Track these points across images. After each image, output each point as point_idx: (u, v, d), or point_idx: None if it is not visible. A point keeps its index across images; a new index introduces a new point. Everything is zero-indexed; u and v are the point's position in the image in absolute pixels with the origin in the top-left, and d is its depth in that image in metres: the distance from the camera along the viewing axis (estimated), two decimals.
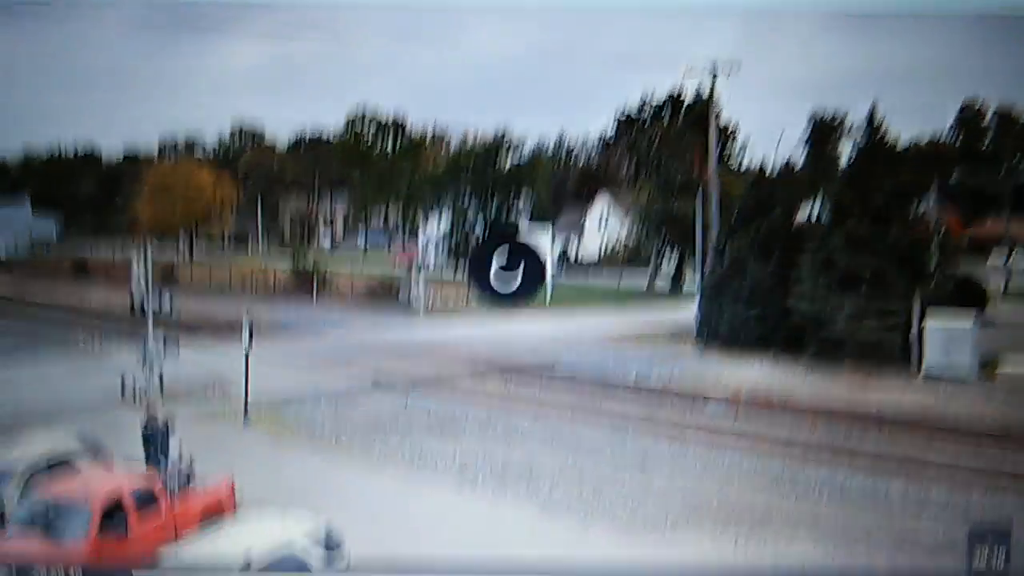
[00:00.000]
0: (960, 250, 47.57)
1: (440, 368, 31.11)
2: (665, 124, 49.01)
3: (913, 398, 27.14)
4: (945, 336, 30.15)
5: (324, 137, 63.93)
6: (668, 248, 49.14)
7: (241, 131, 71.70)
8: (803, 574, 15.10)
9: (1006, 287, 47.07)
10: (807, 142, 47.87)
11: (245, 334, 23.99)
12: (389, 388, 28.09)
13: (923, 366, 30.06)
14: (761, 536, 16.10)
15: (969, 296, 35.66)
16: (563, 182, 58.46)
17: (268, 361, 28.69)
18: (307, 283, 53.46)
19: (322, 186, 65.80)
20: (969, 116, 55.61)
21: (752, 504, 17.87)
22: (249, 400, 24.11)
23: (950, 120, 55.13)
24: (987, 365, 30.25)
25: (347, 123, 67.54)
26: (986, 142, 53.97)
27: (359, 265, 60.78)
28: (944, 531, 16.34)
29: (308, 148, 67.89)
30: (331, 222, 69.90)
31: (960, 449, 21.71)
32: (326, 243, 67.79)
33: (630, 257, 51.77)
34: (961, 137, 53.59)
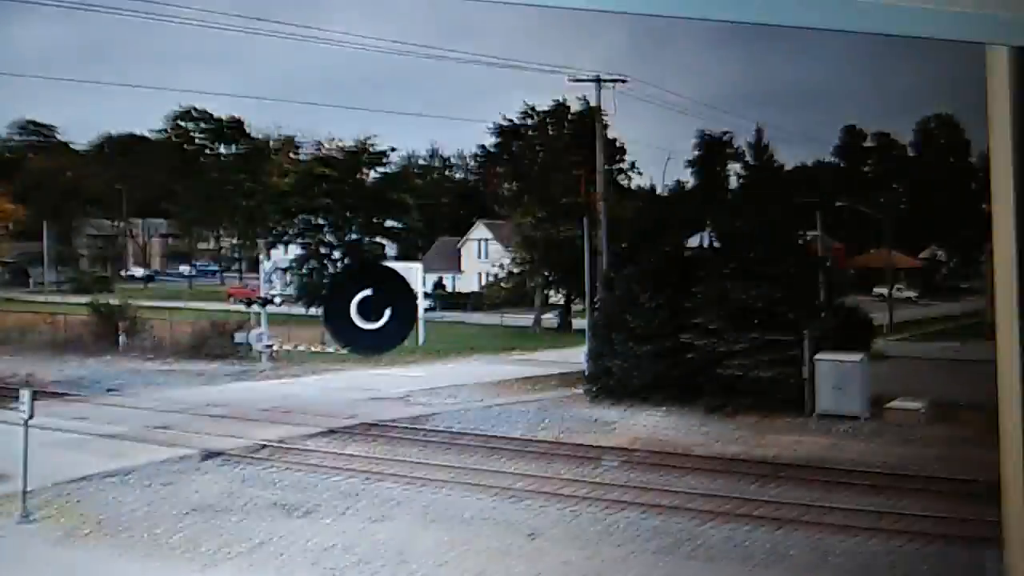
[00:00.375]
0: (847, 281, 50.14)
1: (289, 429, 28.40)
2: (550, 135, 48.70)
3: (809, 440, 27.85)
4: (836, 372, 30.65)
5: (138, 138, 59.01)
6: (555, 279, 48.70)
7: (27, 128, 65.24)
8: None
9: (891, 318, 49.10)
10: (696, 163, 48.84)
11: (25, 398, 21.03)
12: (223, 460, 25.25)
13: (816, 405, 30.31)
14: None
15: (857, 329, 37.10)
16: (437, 201, 56.79)
17: (58, 433, 25.18)
18: (112, 328, 49.02)
19: (135, 201, 60.78)
20: (851, 140, 58.61)
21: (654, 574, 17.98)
22: (30, 487, 20.92)
23: (832, 144, 57.57)
24: (878, 401, 30.76)
25: (171, 122, 61.95)
26: (868, 167, 57.11)
27: (182, 303, 56.69)
28: None
29: (116, 152, 62.15)
30: (145, 248, 64.85)
31: (856, 494, 22.30)
32: (138, 274, 62.77)
33: (513, 290, 51.04)
34: (844, 162, 56.37)
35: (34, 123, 58.99)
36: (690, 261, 34.93)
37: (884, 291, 55.65)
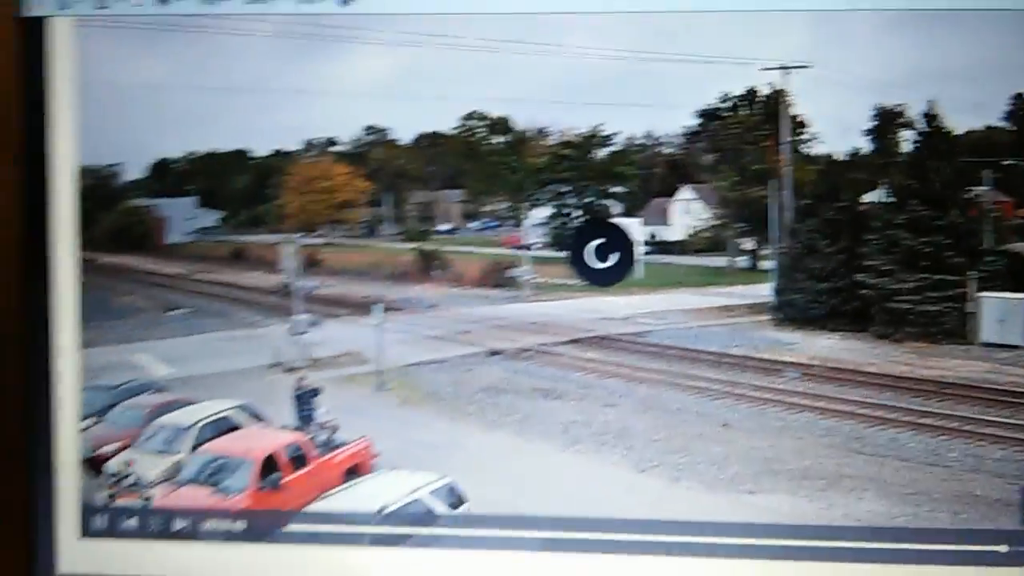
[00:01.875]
0: (1012, 230, 45.97)
1: (545, 337, 30.72)
2: (742, 117, 47.82)
3: (972, 364, 25.80)
4: (1000, 307, 28.97)
5: (441, 135, 63.89)
6: (747, 230, 48.06)
7: (370, 131, 72.11)
8: (870, 530, 14.57)
9: None
10: (872, 132, 46.06)
11: (377, 309, 24.21)
12: (502, 357, 28.22)
13: (981, 335, 29.13)
14: (832, 494, 15.78)
15: (1021, 271, 34.89)
16: (651, 172, 57.54)
17: (397, 333, 28.98)
18: (429, 265, 53.84)
19: (441, 179, 66.04)
20: (1020, 105, 53.10)
21: (824, 464, 17.88)
22: (382, 368, 24.26)
23: (1001, 112, 52.71)
24: None
25: (460, 122, 67.31)
26: None
27: (474, 248, 60.98)
28: (1000, 490, 15.99)
29: (428, 145, 68.02)
30: (449, 211, 70.11)
31: (1015, 412, 20.67)
32: (444, 229, 68.09)
33: (713, 239, 50.81)
34: (1014, 125, 51.25)
35: (374, 127, 65.76)
36: (865, 214, 34.34)
37: None
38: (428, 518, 11.89)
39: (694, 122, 63.75)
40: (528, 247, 51.73)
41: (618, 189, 54.75)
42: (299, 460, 14.35)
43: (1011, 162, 50.03)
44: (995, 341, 28.49)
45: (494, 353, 29.65)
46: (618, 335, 32.14)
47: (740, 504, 15.55)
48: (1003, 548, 7.88)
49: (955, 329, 29.56)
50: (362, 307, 38.14)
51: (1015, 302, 29.08)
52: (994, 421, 20.69)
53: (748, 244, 51.04)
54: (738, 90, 55.29)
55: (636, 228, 46.72)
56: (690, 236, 55.47)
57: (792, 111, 42.05)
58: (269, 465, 13.89)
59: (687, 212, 55.43)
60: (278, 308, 35.85)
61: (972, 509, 15.47)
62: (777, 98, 40.54)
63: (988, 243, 34.32)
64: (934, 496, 16.03)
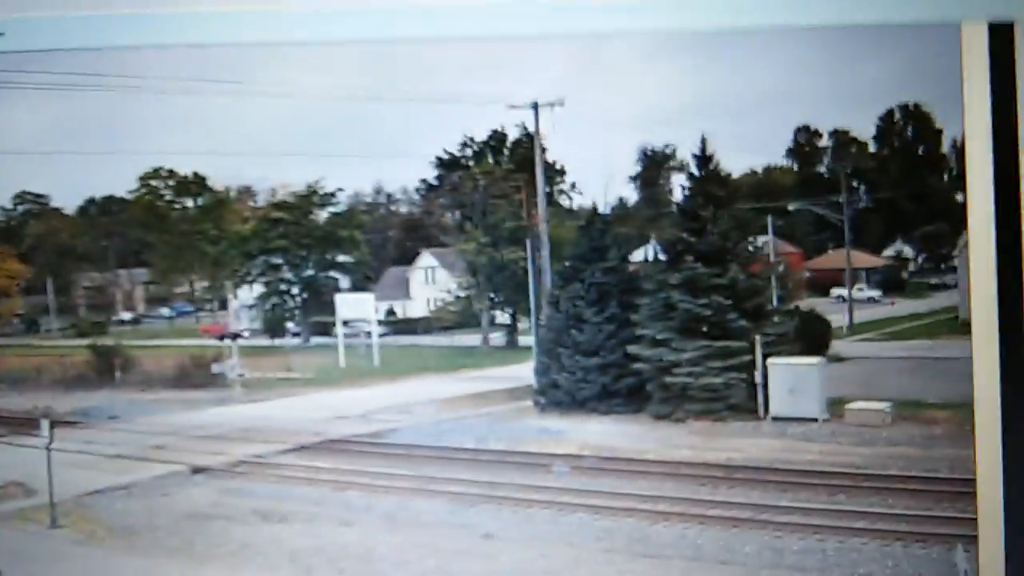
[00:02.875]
0: (801, 284, 49.88)
1: (264, 447, 30.92)
2: (489, 164, 49.71)
3: (762, 443, 28.52)
4: (791, 375, 31.58)
5: (117, 199, 62.31)
6: (500, 301, 49.75)
7: (23, 199, 69.04)
8: None
9: (851, 319, 49.52)
10: (638, 179, 49.25)
11: (45, 427, 23.63)
12: (208, 474, 28.01)
13: (770, 407, 31.20)
14: None
15: (814, 332, 37.64)
16: (384, 236, 58.68)
17: (72, 454, 27.97)
18: (109, 365, 52.16)
19: (119, 256, 64.07)
20: (803, 141, 57.55)
21: (604, 572, 19.19)
22: (55, 499, 23.87)
23: (784, 148, 56.75)
24: (835, 402, 31.29)
25: (141, 181, 65.75)
26: (823, 167, 55.93)
27: (165, 340, 59.52)
28: None
29: (99, 214, 65.92)
30: (130, 295, 67.97)
31: (813, 494, 23.00)
32: (126, 318, 65.96)
33: (461, 313, 52.15)
34: (797, 164, 55.37)
35: (30, 193, 63.27)
36: (635, 276, 35.66)
37: (843, 292, 55.64)
38: None
39: (432, 173, 64.72)
40: (235, 336, 51.37)
41: (345, 258, 55.57)
42: None
43: (797, 206, 54.69)
44: (787, 415, 30.67)
45: (198, 471, 29.64)
46: (353, 437, 32.58)
47: None
48: None
49: (742, 403, 31.63)
50: (24, 424, 36.57)
51: (807, 367, 31.69)
52: (792, 507, 22.20)
53: (503, 317, 53.00)
54: (482, 133, 56.95)
55: (369, 305, 47.64)
56: (434, 311, 56.80)
57: (547, 157, 44.53)
58: None
59: (430, 282, 56.75)
60: None
61: None
62: (529, 142, 42.78)
63: (774, 302, 37.23)
64: None
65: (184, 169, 61.29)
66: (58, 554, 21.13)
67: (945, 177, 60.25)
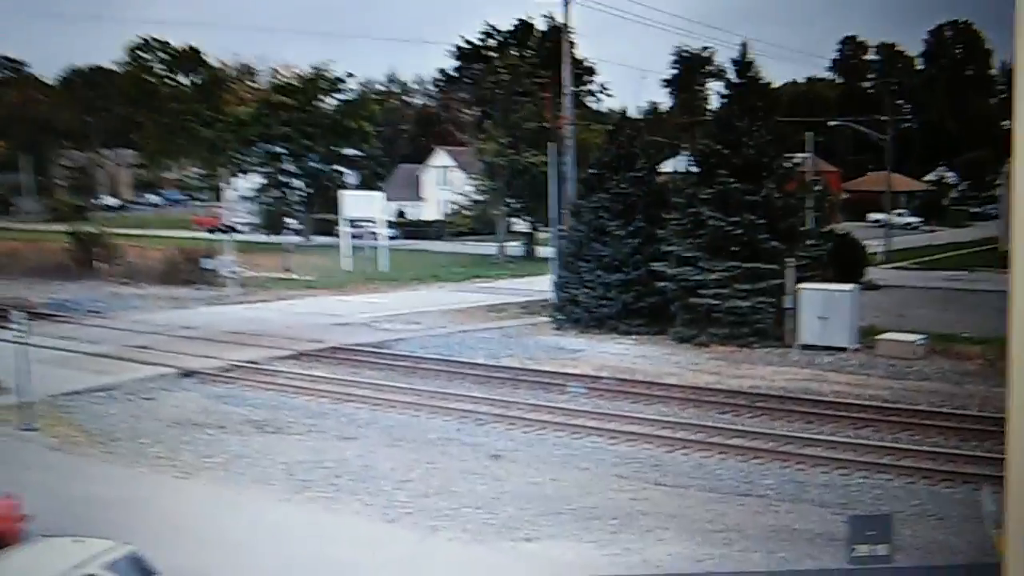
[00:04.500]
0: (838, 206, 49.45)
1: (259, 352, 30.92)
2: (513, 58, 48.94)
3: (789, 372, 28.45)
4: (822, 301, 31.35)
5: (103, 71, 61.31)
6: (519, 208, 49.43)
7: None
8: None
9: (888, 246, 49.26)
10: (673, 83, 48.66)
11: (18, 318, 23.23)
12: (197, 378, 27.90)
13: (799, 335, 31.22)
14: (626, 536, 16.67)
15: (848, 257, 37.47)
16: (397, 129, 57.89)
17: (48, 350, 27.75)
18: (90, 254, 51.90)
19: (104, 134, 63.39)
20: (849, 53, 56.77)
21: (616, 500, 18.49)
22: (28, 398, 23.33)
23: (829, 60, 55.94)
24: (868, 332, 31.53)
25: (130, 53, 64.65)
26: (869, 83, 55.18)
27: (153, 231, 59.30)
28: (823, 522, 17.30)
29: (84, 85, 65.03)
30: (115, 178, 67.55)
31: (839, 427, 22.88)
32: (111, 203, 65.53)
33: (477, 218, 51.82)
34: (841, 78, 54.58)
35: (5, 57, 61.39)
36: (663, 188, 35.97)
37: (881, 217, 55.30)
38: None
39: (451, 64, 63.39)
40: (230, 229, 51.05)
41: (352, 151, 54.64)
42: None
43: (838, 123, 54.09)
44: (816, 343, 30.91)
45: (187, 374, 29.28)
46: (356, 346, 32.69)
47: (515, 555, 16.07)
48: None
49: (770, 329, 32.05)
50: None
51: (839, 294, 31.54)
52: (816, 439, 22.03)
53: (521, 225, 52.74)
54: (507, 23, 55.58)
55: (378, 204, 47.22)
56: (448, 215, 56.14)
57: (576, 54, 43.73)
58: None
59: (444, 183, 56.04)
60: None
61: (791, 546, 16.37)
62: (557, 36, 41.76)
63: (810, 223, 36.90)
64: (747, 532, 17.02)
65: (177, 42, 60.17)
66: (30, 460, 20.37)
67: (992, 101, 59.87)
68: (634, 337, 33.10)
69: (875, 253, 45.00)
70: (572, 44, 37.66)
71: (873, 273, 41.76)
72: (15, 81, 64.37)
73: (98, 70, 63.09)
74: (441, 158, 55.48)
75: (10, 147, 58.11)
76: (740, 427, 23.10)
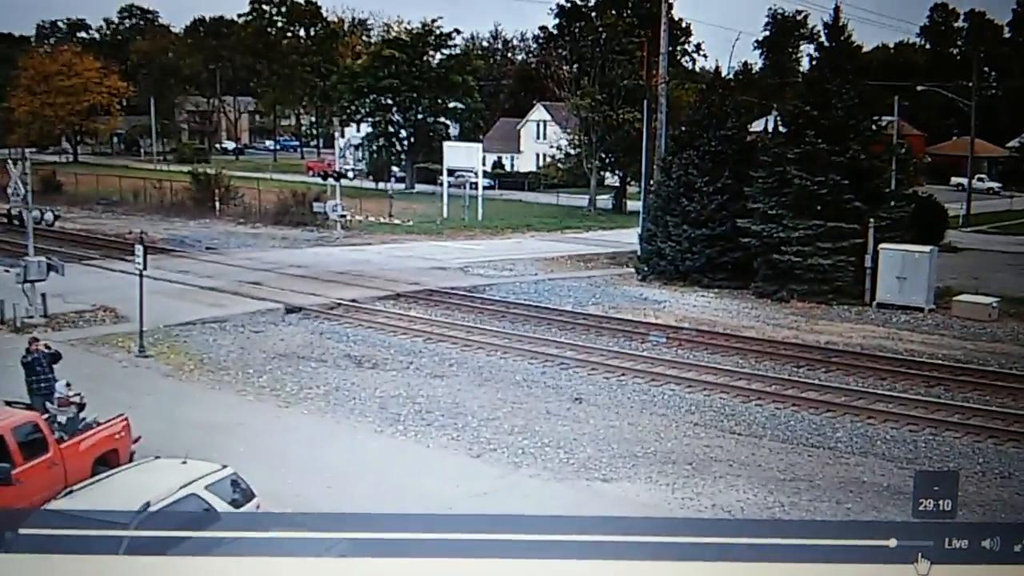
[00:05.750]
0: (921, 169, 48.21)
1: (361, 291, 31.22)
2: (612, 17, 48.43)
3: (865, 329, 28.07)
4: (901, 262, 30.81)
5: (226, 22, 61.81)
6: (611, 162, 49.07)
7: (131, 11, 69.17)
8: (741, 523, 15.16)
9: (969, 210, 48.00)
10: (765, 45, 47.60)
11: (139, 251, 23.42)
12: (302, 314, 28.15)
13: (877, 294, 30.83)
14: (699, 481, 16.47)
15: (929, 220, 36.62)
16: (498, 84, 57.75)
17: (165, 283, 28.21)
18: (209, 194, 52.78)
19: (225, 82, 64.09)
20: (939, 19, 55.13)
21: (691, 446, 18.20)
22: (144, 327, 23.66)
23: (919, 25, 54.41)
24: (944, 293, 31.11)
25: (252, 5, 65.17)
26: (956, 50, 53.60)
27: (267, 174, 60.09)
28: (890, 475, 16.87)
29: (208, 36, 65.99)
30: (235, 123, 68.29)
31: (911, 384, 22.44)
32: (230, 147, 66.38)
33: (570, 171, 51.59)
34: (930, 44, 53.04)
35: (139, 8, 62.39)
36: (752, 146, 35.28)
37: (963, 181, 53.91)
38: (205, 518, 11.84)
39: (552, 22, 62.98)
40: (340, 175, 51.52)
41: (456, 104, 54.73)
42: (34, 445, 13.87)
43: (925, 87, 52.62)
44: (893, 302, 30.36)
45: (293, 310, 29.46)
46: (451, 289, 33.11)
47: (592, 494, 15.97)
48: (892, 543, 8.31)
49: (849, 287, 31.52)
50: (118, 248, 36.98)
51: (918, 255, 30.81)
52: (888, 396, 21.51)
53: (612, 179, 52.29)
54: None
55: (477, 155, 47.15)
56: (543, 167, 55.95)
57: (673, 15, 42.97)
58: None
59: (540, 137, 55.88)
60: (3, 248, 34.43)
61: (858, 498, 16.03)
62: None
63: (893, 185, 36.04)
64: (816, 483, 16.70)
65: None
66: (144, 385, 20.94)
67: None
68: (716, 291, 32.90)
69: (956, 216, 43.81)
70: (670, 5, 37.02)
71: (952, 236, 40.68)
72: (146, 30, 65.48)
73: (221, 21, 63.79)
74: (539, 113, 55.30)
75: (139, 92, 59.12)
76: (815, 381, 22.68)
